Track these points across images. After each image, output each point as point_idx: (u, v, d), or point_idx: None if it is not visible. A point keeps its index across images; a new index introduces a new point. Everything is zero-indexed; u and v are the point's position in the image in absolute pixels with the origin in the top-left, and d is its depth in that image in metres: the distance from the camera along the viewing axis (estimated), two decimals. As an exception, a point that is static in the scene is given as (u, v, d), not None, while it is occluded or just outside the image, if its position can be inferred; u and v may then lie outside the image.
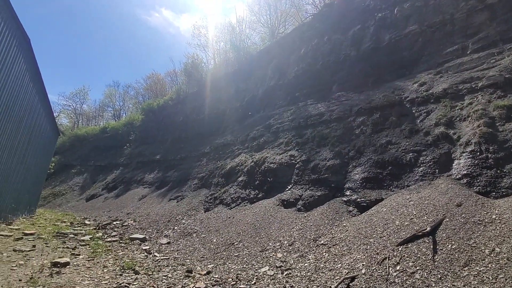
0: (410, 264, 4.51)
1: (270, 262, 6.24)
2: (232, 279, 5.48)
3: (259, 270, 5.90)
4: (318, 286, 4.85)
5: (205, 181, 14.11)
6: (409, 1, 12.40)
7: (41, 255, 6.48)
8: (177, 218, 11.34)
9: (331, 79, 14.02)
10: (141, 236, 9.43)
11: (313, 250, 6.32)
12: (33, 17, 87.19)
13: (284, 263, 6.07)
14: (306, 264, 5.78)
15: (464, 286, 3.82)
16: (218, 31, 31.89)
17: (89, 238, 8.96)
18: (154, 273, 5.83)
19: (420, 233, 5.01)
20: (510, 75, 7.77)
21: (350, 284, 4.60)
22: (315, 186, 9.16)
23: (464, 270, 4.06)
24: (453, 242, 4.61)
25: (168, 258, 7.20)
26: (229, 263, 6.62)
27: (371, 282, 4.45)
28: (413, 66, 11.17)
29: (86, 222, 13.04)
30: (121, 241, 8.93)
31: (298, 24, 21.35)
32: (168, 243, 8.91)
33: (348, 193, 8.17)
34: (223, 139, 17.17)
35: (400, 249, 4.93)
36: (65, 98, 63.51)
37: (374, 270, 4.70)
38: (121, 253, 7.42)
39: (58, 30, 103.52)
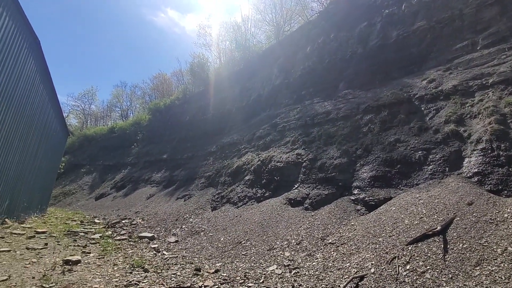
0: (420, 263, 4.46)
1: (278, 261, 6.25)
2: (240, 278, 5.51)
3: (267, 269, 5.91)
4: (326, 285, 4.84)
5: (212, 180, 14.18)
6: (417, -4, 12.20)
7: (53, 253, 6.63)
8: (185, 217, 11.44)
9: (338, 77, 13.91)
10: (150, 235, 9.55)
11: (321, 249, 6.30)
12: (41, 17, 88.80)
13: (292, 262, 6.07)
14: (314, 263, 5.77)
15: (476, 286, 3.77)
16: (223, 30, 31.96)
17: (99, 236, 9.11)
18: (163, 271, 5.90)
19: (430, 232, 4.95)
20: (522, 70, 7.58)
21: (359, 283, 4.57)
22: (322, 184, 9.12)
23: (476, 270, 3.99)
24: (464, 241, 4.54)
25: (177, 257, 7.27)
26: (237, 261, 6.65)
27: (381, 282, 4.41)
28: (421, 63, 11.00)
29: (96, 220, 13.26)
30: (130, 240, 9.06)
31: (304, 22, 21.21)
32: (176, 241, 9.00)
33: (356, 191, 8.11)
34: (229, 138, 17.22)
35: (409, 248, 4.88)
36: (74, 98, 64.66)
37: (384, 269, 4.66)
38: (131, 251, 7.53)
39: (66, 31, 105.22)
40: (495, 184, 5.91)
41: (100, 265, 5.95)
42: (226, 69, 26.39)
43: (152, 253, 7.53)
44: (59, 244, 7.58)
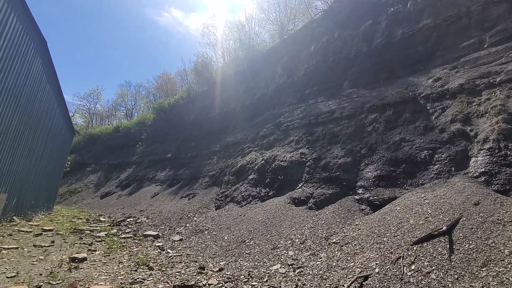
0: (426, 263, 4.42)
1: (282, 260, 6.25)
2: (244, 276, 5.53)
3: (270, 268, 5.92)
4: (330, 284, 4.83)
5: (215, 179, 14.23)
6: (423, -6, 12.06)
7: (60, 250, 6.72)
8: (189, 215, 11.50)
9: (342, 76, 13.83)
10: (154, 233, 9.62)
11: (325, 248, 6.29)
12: (47, 18, 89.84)
13: (295, 261, 6.06)
14: (318, 263, 5.76)
15: (482, 287, 3.72)
16: (227, 30, 31.99)
17: (105, 234, 9.22)
18: (167, 269, 5.94)
19: (436, 232, 4.90)
20: (531, 69, 7.46)
21: (363, 283, 4.55)
22: (326, 184, 9.09)
23: (483, 271, 3.94)
24: (470, 242, 4.48)
25: (181, 255, 7.32)
26: (240, 260, 6.67)
27: (385, 282, 4.39)
28: (427, 61, 10.88)
29: (101, 219, 13.41)
30: (135, 238, 9.14)
31: (308, 21, 21.12)
32: (181, 240, 9.06)
33: (360, 191, 8.06)
34: (233, 137, 17.25)
35: (415, 248, 4.84)
36: (80, 98, 65.44)
37: (388, 269, 4.63)
38: (135, 249, 7.60)
39: (71, 31, 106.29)
40: (502, 184, 5.83)
41: (105, 262, 6.02)
42: (230, 68, 26.42)
43: (157, 251, 7.59)
44: (65, 242, 7.69)
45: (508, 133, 6.49)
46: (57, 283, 4.59)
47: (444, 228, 4.90)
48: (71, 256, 6.03)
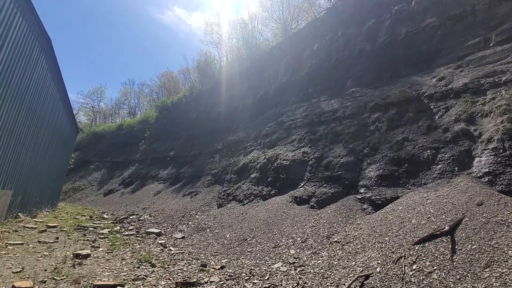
0: (427, 263, 4.41)
1: (283, 258, 6.27)
2: (246, 274, 5.56)
3: (272, 266, 5.94)
4: (331, 283, 4.84)
5: (218, 178, 14.28)
6: (428, -8, 11.94)
7: (64, 246, 6.81)
8: (191, 213, 11.56)
9: (345, 74, 13.76)
10: (157, 231, 9.69)
11: (326, 247, 6.29)
12: (51, 17, 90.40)
13: (297, 259, 6.08)
14: (319, 261, 5.77)
15: None
16: (230, 28, 31.83)
17: (108, 231, 9.30)
18: (170, 266, 5.99)
19: (438, 232, 4.88)
20: (537, 68, 7.36)
21: (364, 282, 4.56)
22: (328, 183, 9.08)
23: (485, 272, 3.93)
24: (473, 242, 4.46)
25: (183, 252, 7.37)
26: (242, 258, 6.70)
27: (386, 281, 4.39)
28: (431, 60, 10.78)
29: (105, 216, 13.53)
30: (137, 235, 9.21)
31: (311, 19, 21.02)
32: (183, 237, 9.12)
33: (362, 190, 8.05)
34: (235, 136, 17.27)
35: (416, 248, 4.83)
36: (83, 96, 65.89)
37: (390, 268, 4.63)
38: (138, 246, 7.66)
39: (75, 30, 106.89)
40: (506, 185, 5.79)
41: (109, 259, 6.08)
42: (233, 67, 26.42)
43: (159, 248, 7.65)
44: (69, 238, 7.77)
45: (512, 133, 6.43)
46: (61, 279, 4.65)
47: (447, 228, 4.88)
48: (75, 252, 6.10)
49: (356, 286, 4.54)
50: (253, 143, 14.90)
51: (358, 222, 6.84)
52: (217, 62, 31.25)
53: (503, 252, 4.12)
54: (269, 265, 6.03)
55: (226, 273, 5.67)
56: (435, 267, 4.29)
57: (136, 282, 4.83)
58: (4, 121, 8.31)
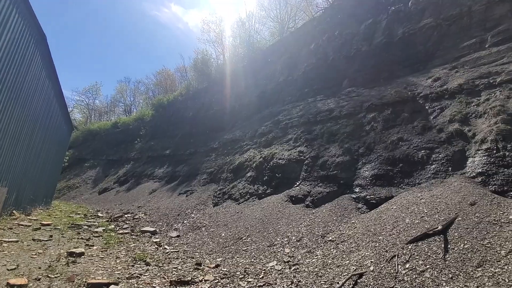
0: (420, 262, 4.45)
1: (278, 257, 6.29)
2: (240, 273, 5.56)
3: (267, 265, 5.95)
4: (325, 281, 4.87)
5: (214, 176, 14.25)
6: (425, -7, 12.02)
7: (58, 245, 6.75)
8: (187, 212, 11.53)
9: (342, 74, 13.81)
10: (152, 229, 9.66)
11: (321, 246, 6.32)
12: (45, 12, 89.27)
13: (292, 258, 6.10)
14: (313, 260, 5.80)
15: (477, 287, 3.75)
16: (228, 27, 31.76)
17: (102, 230, 9.24)
18: (164, 265, 5.97)
19: (431, 232, 4.93)
20: (530, 70, 7.46)
21: (358, 280, 4.59)
22: (323, 182, 9.12)
23: (478, 271, 3.97)
24: (465, 242, 4.51)
25: (178, 251, 7.35)
26: (237, 257, 6.70)
27: (380, 280, 4.42)
28: (427, 61, 10.87)
29: (99, 214, 13.44)
30: (132, 234, 9.17)
31: (308, 19, 21.04)
32: (178, 236, 9.10)
33: (357, 190, 8.10)
34: (231, 134, 17.24)
35: (409, 247, 4.87)
36: (78, 93, 65.15)
37: (383, 267, 4.67)
38: (133, 245, 7.63)
39: (70, 26, 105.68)
40: (500, 185, 5.86)
41: (103, 257, 6.04)
42: (229, 66, 26.35)
43: (154, 247, 7.63)
44: (63, 237, 7.71)
45: (507, 134, 6.51)
46: (55, 276, 4.62)
47: (440, 227, 4.93)
48: (69, 250, 6.05)
49: (350, 284, 4.57)
50: (249, 142, 14.89)
51: (353, 221, 6.88)
52: (214, 61, 31.17)
53: (496, 251, 4.17)
54: (264, 264, 6.04)
55: (220, 271, 5.67)
56: (427, 266, 4.33)
57: (130, 281, 4.81)
58: (-2, 118, 8.19)
